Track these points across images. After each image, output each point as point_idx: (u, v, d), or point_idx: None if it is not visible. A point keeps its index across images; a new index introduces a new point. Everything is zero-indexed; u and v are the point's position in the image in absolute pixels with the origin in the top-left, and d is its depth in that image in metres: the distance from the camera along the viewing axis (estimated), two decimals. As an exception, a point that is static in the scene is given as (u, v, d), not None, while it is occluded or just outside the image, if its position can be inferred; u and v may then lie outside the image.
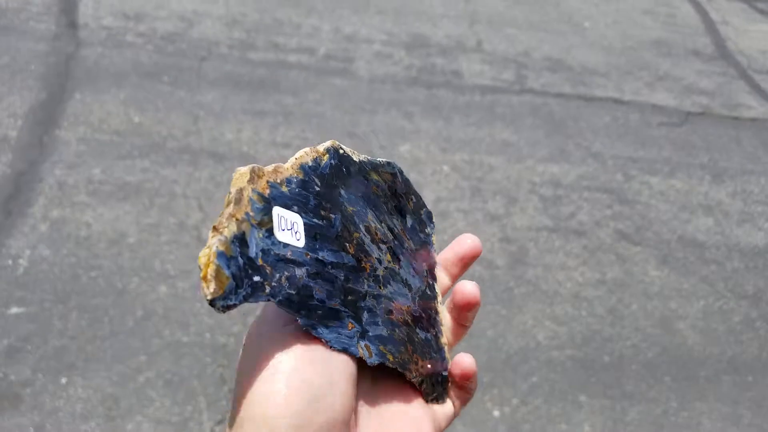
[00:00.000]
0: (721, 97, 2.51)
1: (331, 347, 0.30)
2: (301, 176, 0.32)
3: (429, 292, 0.38)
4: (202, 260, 0.27)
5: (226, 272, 0.27)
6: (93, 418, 1.22)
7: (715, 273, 1.76)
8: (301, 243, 0.30)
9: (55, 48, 2.14)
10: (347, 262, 0.32)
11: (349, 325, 0.32)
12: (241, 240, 0.28)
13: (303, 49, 2.35)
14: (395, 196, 0.38)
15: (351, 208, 0.34)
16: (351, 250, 0.33)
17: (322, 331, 0.30)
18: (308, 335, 0.30)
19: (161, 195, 1.69)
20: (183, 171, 1.77)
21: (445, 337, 0.38)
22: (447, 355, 0.37)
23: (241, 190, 0.29)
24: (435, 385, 0.36)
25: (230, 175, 1.78)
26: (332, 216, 0.33)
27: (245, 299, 0.27)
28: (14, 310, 1.37)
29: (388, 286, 0.35)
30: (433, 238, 0.41)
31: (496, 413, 1.34)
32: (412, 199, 0.40)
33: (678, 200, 1.97)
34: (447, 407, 0.37)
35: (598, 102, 2.36)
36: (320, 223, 0.32)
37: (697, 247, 1.83)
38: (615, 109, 2.34)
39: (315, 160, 0.33)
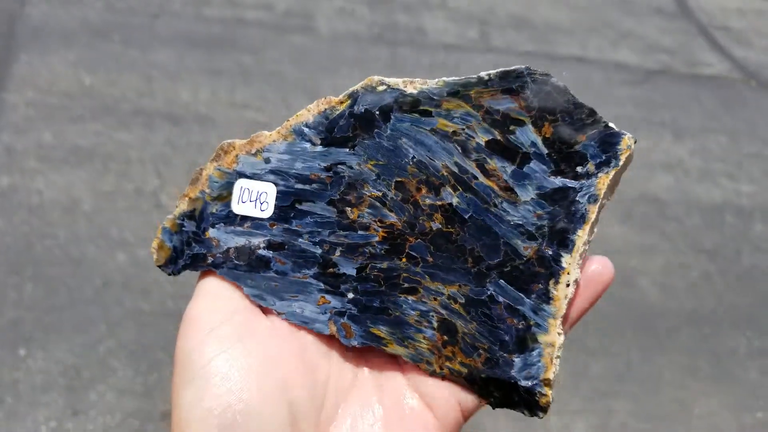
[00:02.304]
0: (682, 55, 2.53)
1: (287, 321, 0.29)
2: (290, 140, 0.30)
3: (536, 267, 0.28)
4: (155, 241, 0.31)
5: (168, 245, 0.30)
6: (54, 389, 1.19)
7: (675, 229, 1.79)
8: (266, 213, 0.29)
9: (-3, 5, 2.03)
10: (340, 230, 0.29)
11: (321, 299, 0.29)
12: (189, 216, 0.30)
13: (261, 5, 2.28)
14: (501, 124, 0.28)
15: (372, 162, 0.29)
16: (353, 215, 0.29)
17: (274, 301, 0.29)
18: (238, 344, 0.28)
19: (116, 160, 1.63)
20: (138, 134, 1.71)
21: (555, 334, 0.28)
22: (546, 359, 0.28)
23: (200, 170, 0.30)
24: (507, 392, 0.28)
25: (188, 138, 1.73)
26: (330, 178, 0.29)
27: (184, 268, 0.30)
28: (-35, 282, 1.32)
29: (420, 257, 0.28)
30: (603, 179, 0.28)
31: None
32: (553, 122, 0.28)
33: (639, 158, 2.00)
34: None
35: (562, 60, 2.36)
36: (306, 188, 0.29)
37: (657, 204, 1.86)
38: (578, 66, 2.34)
39: (323, 113, 0.29)
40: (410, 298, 0.29)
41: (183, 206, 0.30)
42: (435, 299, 0.29)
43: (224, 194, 0.30)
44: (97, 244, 1.43)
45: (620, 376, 1.41)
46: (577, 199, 0.28)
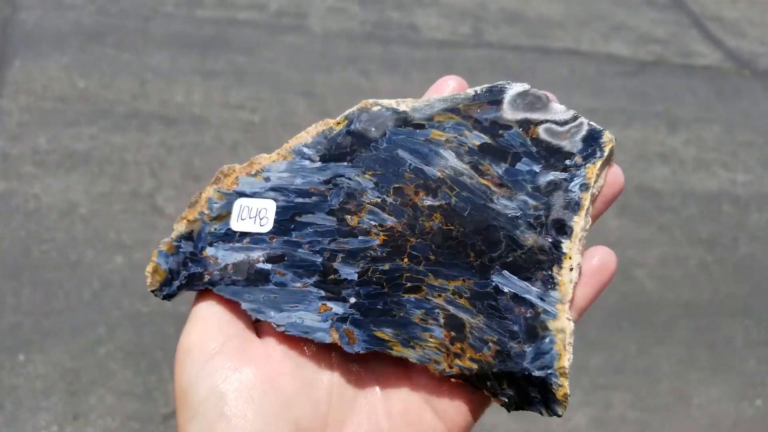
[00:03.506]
0: (675, 46, 2.53)
1: (285, 332, 0.29)
2: (290, 159, 0.31)
3: (538, 254, 0.29)
4: (150, 264, 0.31)
5: (164, 267, 0.30)
6: (54, 393, 1.19)
7: (672, 220, 1.79)
8: (266, 228, 0.30)
9: (-11, 11, 2.03)
10: (340, 237, 0.29)
11: (322, 307, 0.29)
12: (186, 237, 0.30)
13: (253, 5, 2.28)
14: (489, 130, 0.30)
15: (370, 173, 0.30)
16: (353, 222, 0.30)
17: (273, 314, 0.29)
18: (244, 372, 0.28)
19: (111, 163, 1.63)
20: (133, 137, 1.71)
21: (564, 319, 0.28)
22: (559, 347, 0.28)
23: (200, 194, 0.31)
24: (521, 387, 0.27)
25: (183, 140, 1.73)
26: (329, 190, 0.30)
27: (180, 289, 0.30)
28: (-37, 288, 1.32)
29: (423, 256, 0.29)
30: (591, 169, 0.30)
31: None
32: (539, 125, 0.31)
33: (634, 150, 2.00)
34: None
35: (555, 54, 2.36)
36: (305, 201, 0.30)
37: (653, 195, 1.86)
38: (572, 59, 2.34)
39: (322, 133, 0.31)
40: (414, 296, 0.29)
41: (181, 228, 0.30)
42: (439, 296, 0.29)
43: (223, 214, 0.30)
44: (94, 247, 1.43)
45: (619, 368, 1.42)
46: (569, 188, 0.30)
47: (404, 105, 0.31)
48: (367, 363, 0.30)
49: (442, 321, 0.28)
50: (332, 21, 2.29)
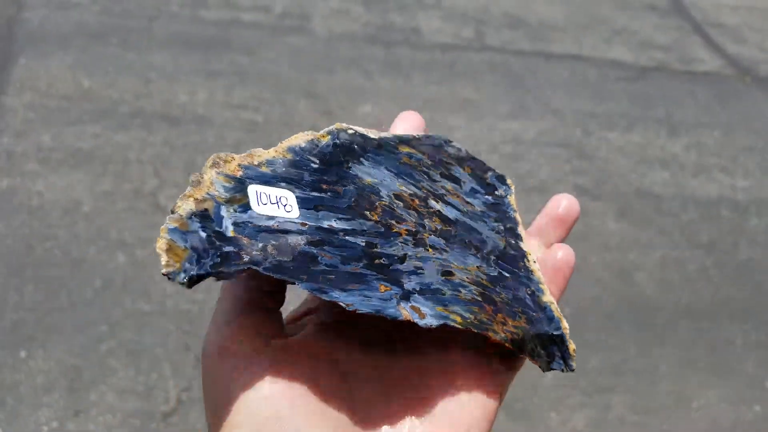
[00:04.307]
0: (677, 52, 2.54)
1: (356, 311, 0.27)
2: (289, 157, 0.30)
3: (511, 251, 0.34)
4: (158, 243, 0.25)
5: (182, 245, 0.25)
6: (55, 390, 1.20)
7: (672, 224, 1.80)
8: (293, 214, 0.28)
9: (-6, 10, 2.04)
10: (369, 229, 0.29)
11: (381, 287, 0.28)
12: (202, 215, 0.26)
13: (257, 6, 2.29)
14: (441, 164, 0.36)
15: (369, 180, 0.31)
16: (374, 217, 0.30)
17: (338, 294, 0.26)
18: (292, 367, 0.26)
19: (115, 161, 1.64)
20: (136, 136, 1.71)
21: (549, 295, 0.33)
22: (557, 314, 0.32)
23: (200, 174, 0.28)
24: (547, 347, 0.31)
25: (186, 139, 1.73)
26: (340, 188, 0.30)
27: (213, 269, 0.25)
28: (-35, 284, 1.33)
29: (441, 247, 0.31)
30: (511, 199, 0.37)
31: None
32: (468, 165, 0.37)
33: (635, 154, 2.01)
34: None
35: (557, 58, 2.37)
36: (322, 195, 0.29)
37: (654, 199, 1.87)
38: (573, 64, 2.35)
39: (311, 141, 0.31)
40: (450, 278, 0.30)
41: (189, 206, 0.26)
42: (467, 278, 0.30)
43: (237, 197, 0.27)
44: (97, 245, 1.44)
45: (618, 370, 1.42)
46: (505, 209, 0.36)
47: (373, 134, 0.34)
48: (389, 363, 0.30)
49: (479, 297, 0.30)
50: (335, 23, 2.30)
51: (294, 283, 0.26)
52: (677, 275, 1.66)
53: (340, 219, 0.29)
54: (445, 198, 0.34)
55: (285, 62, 2.07)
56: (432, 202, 0.33)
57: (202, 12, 2.20)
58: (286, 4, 2.33)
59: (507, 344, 0.29)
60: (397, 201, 0.31)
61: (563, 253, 0.33)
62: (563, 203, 0.35)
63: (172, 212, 0.26)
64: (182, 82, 1.91)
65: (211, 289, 1.39)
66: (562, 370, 0.31)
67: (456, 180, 0.35)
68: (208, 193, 0.27)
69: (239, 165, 0.29)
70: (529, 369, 1.40)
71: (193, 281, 0.24)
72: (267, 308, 0.29)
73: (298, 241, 0.27)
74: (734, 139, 2.16)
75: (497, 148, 1.92)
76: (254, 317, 0.28)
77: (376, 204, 0.30)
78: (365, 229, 0.29)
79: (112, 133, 1.71)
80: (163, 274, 0.24)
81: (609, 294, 1.58)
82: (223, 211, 0.27)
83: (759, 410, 1.40)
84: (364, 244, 0.29)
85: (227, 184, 0.28)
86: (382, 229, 0.30)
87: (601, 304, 1.55)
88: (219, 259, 0.25)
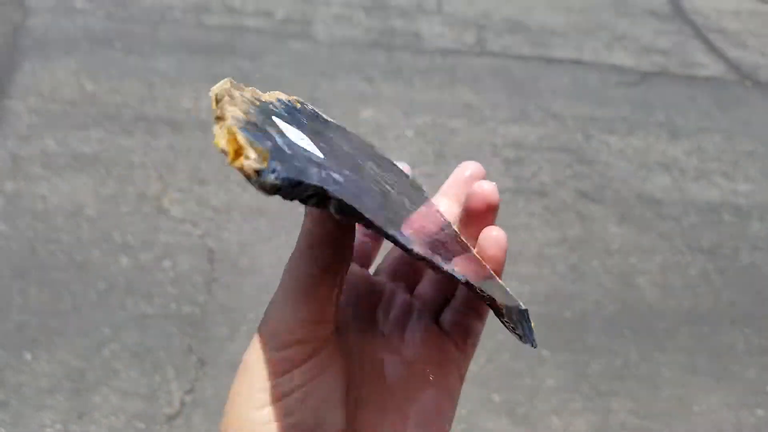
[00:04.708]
0: (677, 57, 2.55)
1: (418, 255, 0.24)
2: (284, 105, 0.27)
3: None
4: (221, 141, 0.20)
5: (260, 145, 0.20)
6: (59, 391, 1.20)
7: (673, 229, 1.80)
8: (319, 154, 0.24)
9: (1, 17, 2.05)
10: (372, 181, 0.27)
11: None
12: (255, 126, 0.21)
13: (260, 12, 2.30)
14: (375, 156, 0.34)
15: (347, 148, 0.29)
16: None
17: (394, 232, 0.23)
18: None
19: (119, 165, 1.65)
20: (140, 140, 1.72)
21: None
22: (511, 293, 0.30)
23: (229, 89, 0.23)
24: (520, 321, 0.30)
25: (189, 144, 1.74)
26: (334, 146, 0.28)
27: (298, 176, 0.19)
28: (-30, 287, 1.33)
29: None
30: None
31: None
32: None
33: (636, 158, 2.01)
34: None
35: (558, 63, 2.37)
36: (325, 146, 0.26)
37: (655, 203, 1.87)
38: (574, 69, 2.36)
39: (289, 101, 0.29)
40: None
41: (238, 113, 0.21)
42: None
43: (270, 122, 0.23)
44: (101, 249, 1.45)
45: (620, 375, 1.42)
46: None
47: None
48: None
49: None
50: (337, 28, 2.31)
51: (365, 217, 0.21)
52: (678, 280, 1.66)
53: (349, 170, 0.26)
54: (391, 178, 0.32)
55: (287, 67, 2.08)
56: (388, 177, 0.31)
57: (205, 18, 2.21)
58: (288, 10, 2.34)
59: (503, 309, 0.28)
60: (373, 168, 0.29)
61: (497, 231, 0.32)
62: (470, 167, 0.36)
63: (220, 119, 0.21)
64: (186, 86, 1.92)
65: (213, 291, 1.40)
66: (532, 345, 0.30)
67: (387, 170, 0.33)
68: (246, 110, 0.22)
69: (254, 94, 0.25)
70: (530, 375, 1.40)
71: (281, 185, 0.19)
72: (337, 272, 0.27)
73: (341, 178, 0.23)
74: (735, 144, 2.17)
75: (499, 152, 1.93)
76: (317, 300, 0.26)
77: (364, 165, 0.29)
78: (376, 177, 0.28)
79: (115, 138, 1.72)
80: (247, 174, 0.19)
81: (610, 298, 1.58)
82: (270, 130, 0.22)
83: (761, 415, 1.40)
84: (378, 191, 0.26)
85: (256, 106, 0.24)
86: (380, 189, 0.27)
87: (602, 308, 1.55)
88: (303, 166, 0.20)
